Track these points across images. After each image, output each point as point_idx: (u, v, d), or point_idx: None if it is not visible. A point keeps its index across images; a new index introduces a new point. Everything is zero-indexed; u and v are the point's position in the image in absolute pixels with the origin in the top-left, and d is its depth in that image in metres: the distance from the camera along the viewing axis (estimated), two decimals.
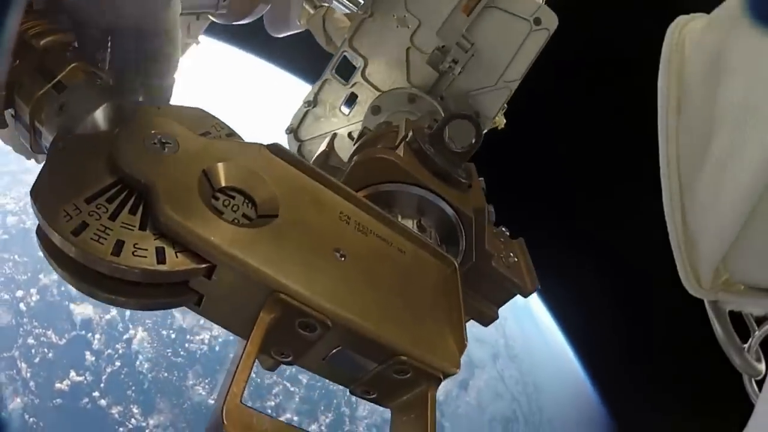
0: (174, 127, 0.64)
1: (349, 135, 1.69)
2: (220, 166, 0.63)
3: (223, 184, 0.63)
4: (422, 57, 1.49)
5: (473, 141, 0.94)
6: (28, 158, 3.05)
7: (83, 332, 12.82)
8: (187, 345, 13.89)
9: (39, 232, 0.54)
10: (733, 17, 0.58)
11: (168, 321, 13.99)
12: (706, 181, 0.62)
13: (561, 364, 20.06)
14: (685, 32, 0.67)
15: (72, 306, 12.84)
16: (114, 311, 13.22)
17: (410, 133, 0.96)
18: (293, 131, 1.88)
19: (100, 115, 0.67)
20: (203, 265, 0.55)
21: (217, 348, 14.15)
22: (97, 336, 13.03)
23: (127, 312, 13.38)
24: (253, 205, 0.64)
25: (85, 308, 13.07)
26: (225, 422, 0.47)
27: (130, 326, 13.49)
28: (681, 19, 0.69)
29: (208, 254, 0.55)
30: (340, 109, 1.66)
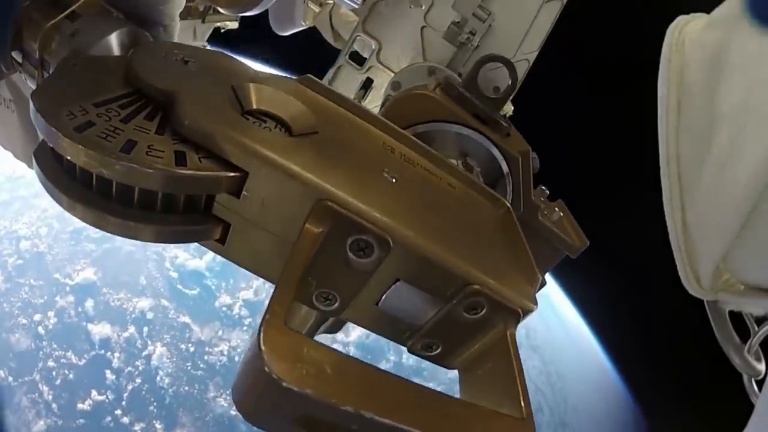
0: (197, 50, 0.57)
1: None
2: (251, 86, 0.54)
3: (254, 107, 0.53)
4: (437, 35, 1.45)
5: (509, 83, 0.87)
6: (30, 166, 3.06)
7: (102, 351, 12.85)
8: (206, 357, 13.89)
9: (38, 152, 0.46)
10: (733, 17, 0.58)
11: (186, 335, 14.01)
12: (706, 181, 0.61)
13: (583, 353, 19.96)
14: (685, 32, 0.67)
15: (90, 326, 12.89)
16: (132, 328, 13.28)
17: (443, 82, 0.89)
18: None
19: (115, 40, 0.61)
20: (232, 174, 0.46)
21: (236, 358, 14.12)
22: (117, 354, 13.06)
23: (145, 328, 13.44)
24: (287, 131, 0.54)
25: (103, 327, 13.12)
26: (262, 348, 0.34)
27: (149, 342, 13.52)
28: (681, 19, 0.68)
29: (239, 158, 0.45)
30: (354, 96, 1.61)
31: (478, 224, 0.60)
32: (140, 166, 0.42)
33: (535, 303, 0.52)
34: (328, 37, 1.85)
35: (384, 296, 0.51)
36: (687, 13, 0.70)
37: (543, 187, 0.98)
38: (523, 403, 0.43)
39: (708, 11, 0.67)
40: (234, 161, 0.46)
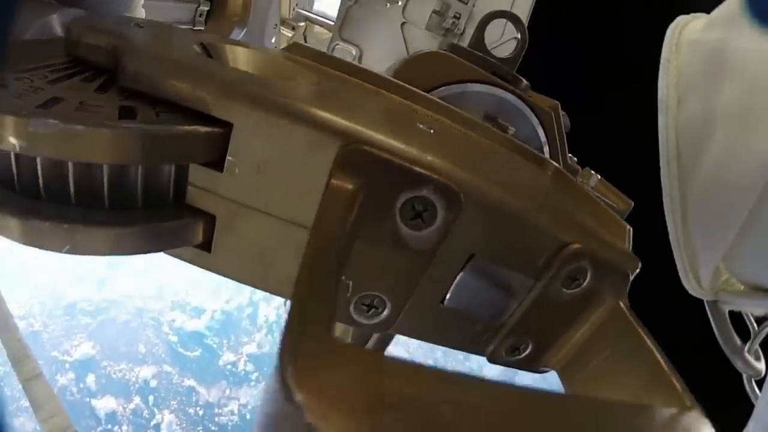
0: (154, 21, 0.42)
1: None
2: (227, 46, 0.40)
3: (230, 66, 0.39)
4: (418, 28, 1.41)
5: (518, 37, 0.78)
6: None
7: (110, 426, 12.46)
8: (216, 419, 13.50)
9: None
10: (731, 18, 0.59)
11: (193, 398, 13.67)
12: (705, 181, 0.62)
13: None
14: (685, 33, 0.68)
15: (94, 402, 12.55)
16: (137, 399, 12.93)
17: (448, 47, 0.78)
18: None
19: (56, 22, 0.52)
20: (207, 129, 0.31)
21: (247, 416, 13.77)
22: (124, 427, 12.67)
23: (151, 397, 13.09)
24: None
25: (107, 401, 12.77)
26: (297, 395, 0.17)
27: (156, 411, 13.14)
28: (681, 19, 0.69)
29: (218, 104, 0.30)
30: None
31: (535, 184, 0.46)
32: (66, 122, 0.27)
33: (638, 260, 0.41)
34: None
35: (453, 286, 0.36)
36: (689, 13, 0.70)
37: (569, 154, 0.90)
38: (681, 388, 0.31)
39: (709, 11, 0.68)
40: (210, 110, 0.31)
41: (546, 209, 0.36)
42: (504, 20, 0.92)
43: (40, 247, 0.32)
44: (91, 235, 0.32)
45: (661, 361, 0.32)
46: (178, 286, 15.18)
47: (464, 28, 1.36)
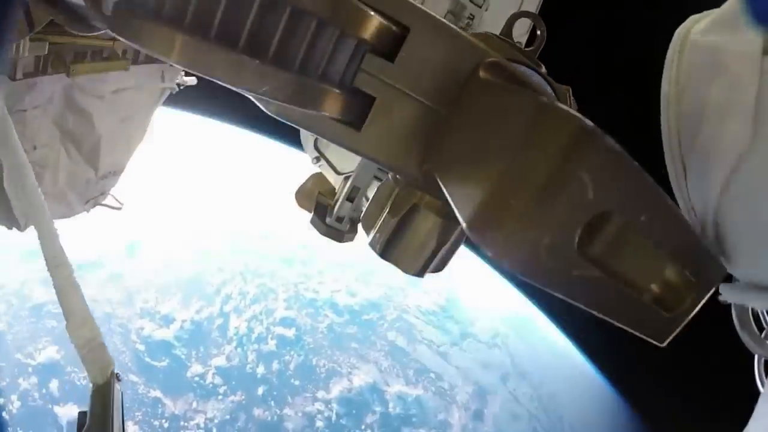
0: None
1: None
2: None
3: None
4: None
5: (539, 33, 0.88)
6: (9, 227, 2.96)
7: None
8: None
9: None
10: (728, 21, 0.66)
11: (159, 410, 13.13)
12: (695, 177, 0.68)
13: (570, 367, 20.17)
14: (690, 34, 0.72)
15: (56, 408, 11.86)
16: None
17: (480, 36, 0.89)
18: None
19: None
20: (394, 27, 0.53)
21: (214, 430, 13.34)
22: None
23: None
24: None
25: (69, 409, 12.07)
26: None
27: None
28: (690, 20, 0.74)
29: (404, 13, 0.51)
30: None
31: None
32: None
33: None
34: None
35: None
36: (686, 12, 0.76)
37: None
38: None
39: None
40: (397, 16, 0.48)
41: None
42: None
43: (238, 85, 0.49)
44: (282, 79, 0.49)
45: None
46: (148, 293, 14.96)
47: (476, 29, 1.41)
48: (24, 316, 12.65)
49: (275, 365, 14.90)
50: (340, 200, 2.09)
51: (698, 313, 0.55)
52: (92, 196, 3.39)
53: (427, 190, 0.74)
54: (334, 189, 2.25)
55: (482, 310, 21.20)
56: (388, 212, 0.83)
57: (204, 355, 14.37)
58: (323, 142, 2.09)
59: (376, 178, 1.97)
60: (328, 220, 2.12)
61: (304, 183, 2.41)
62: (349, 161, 2.06)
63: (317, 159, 2.17)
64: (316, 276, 18.34)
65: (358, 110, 0.57)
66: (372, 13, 0.51)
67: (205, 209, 18.45)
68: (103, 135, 3.06)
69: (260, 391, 14.23)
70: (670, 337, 0.54)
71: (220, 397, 13.85)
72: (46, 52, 2.26)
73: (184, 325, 14.63)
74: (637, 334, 0.53)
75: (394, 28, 0.53)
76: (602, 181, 0.41)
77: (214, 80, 0.50)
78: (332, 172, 2.16)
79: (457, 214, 0.51)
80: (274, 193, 20.24)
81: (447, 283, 20.53)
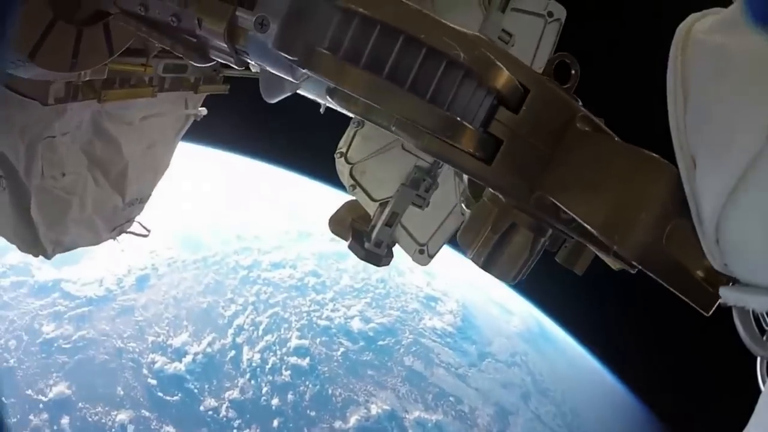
0: None
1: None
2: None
3: None
4: None
5: (573, 72, 0.98)
6: (22, 248, 3.01)
7: None
8: None
9: None
10: (734, 22, 0.66)
11: None
12: (701, 175, 0.70)
13: (590, 377, 19.91)
14: (693, 31, 0.74)
15: None
16: None
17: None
18: (344, 155, 2.11)
19: None
20: (521, 89, 0.84)
21: None
22: None
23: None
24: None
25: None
26: None
27: None
28: (690, 19, 0.77)
29: (527, 79, 0.81)
30: None
31: None
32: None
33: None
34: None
35: None
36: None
37: None
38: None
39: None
40: (520, 79, 0.78)
41: None
42: None
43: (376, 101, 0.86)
44: (432, 112, 0.84)
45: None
46: (159, 326, 14.72)
47: None
48: (34, 351, 12.47)
49: (290, 396, 14.60)
50: (379, 225, 2.26)
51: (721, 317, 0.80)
52: (119, 224, 3.36)
53: (528, 210, 0.96)
54: (366, 215, 2.37)
55: (498, 329, 20.91)
56: (490, 230, 1.03)
57: (217, 388, 14.10)
58: (358, 171, 2.22)
59: (414, 204, 2.19)
60: (366, 245, 2.30)
61: (337, 211, 2.47)
62: (383, 189, 2.21)
63: (353, 187, 2.26)
64: (328, 304, 18.08)
65: (490, 149, 0.84)
66: (506, 71, 0.81)
67: (215, 240, 18.35)
68: (130, 162, 3.05)
69: (275, 423, 13.91)
70: (713, 308, 0.80)
71: (234, 431, 13.54)
72: (105, 76, 2.29)
73: (196, 359, 14.40)
74: (690, 302, 0.80)
75: (520, 87, 0.82)
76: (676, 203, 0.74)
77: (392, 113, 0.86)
78: (368, 199, 2.27)
79: (583, 223, 0.81)
80: (283, 223, 20.29)
81: (461, 305, 20.36)
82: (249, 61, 1.12)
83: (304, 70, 0.92)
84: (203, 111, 3.50)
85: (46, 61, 1.50)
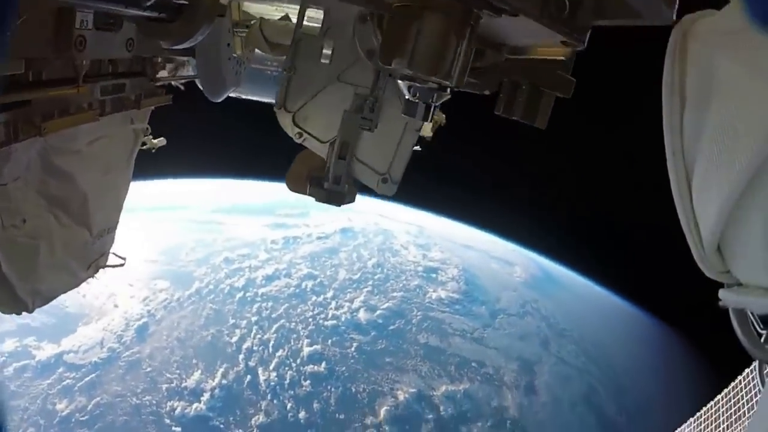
0: None
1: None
2: None
3: None
4: None
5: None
6: (18, 312, 2.88)
7: None
8: None
9: None
10: (731, 32, 0.65)
11: None
12: (700, 174, 0.69)
13: (602, 307, 20.23)
14: (689, 36, 0.73)
15: None
16: None
17: None
18: (282, 105, 2.12)
19: None
20: None
21: None
22: None
23: None
24: None
25: None
26: None
27: None
28: (685, 21, 0.75)
29: None
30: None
31: None
32: None
33: None
34: (266, 50, 2.14)
35: None
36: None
37: None
38: None
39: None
40: None
41: None
42: None
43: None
44: None
45: None
46: (170, 372, 14.66)
47: None
48: None
49: (315, 405, 14.71)
50: (333, 160, 2.31)
51: None
52: (93, 259, 3.25)
53: None
54: (322, 163, 2.42)
55: (503, 283, 21.03)
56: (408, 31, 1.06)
57: (242, 417, 14.18)
58: (301, 118, 2.23)
59: (362, 128, 2.22)
60: (326, 185, 2.34)
61: (292, 167, 2.49)
62: (330, 128, 2.25)
63: (300, 135, 2.30)
64: (331, 302, 18.12)
65: None
66: None
67: (203, 269, 18.27)
68: (88, 192, 2.96)
69: None
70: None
71: None
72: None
73: (214, 394, 14.43)
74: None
75: None
76: None
77: None
78: (317, 142, 2.30)
79: None
80: (266, 232, 20.14)
81: (461, 269, 20.42)
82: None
83: None
84: (162, 142, 3.43)
85: None
